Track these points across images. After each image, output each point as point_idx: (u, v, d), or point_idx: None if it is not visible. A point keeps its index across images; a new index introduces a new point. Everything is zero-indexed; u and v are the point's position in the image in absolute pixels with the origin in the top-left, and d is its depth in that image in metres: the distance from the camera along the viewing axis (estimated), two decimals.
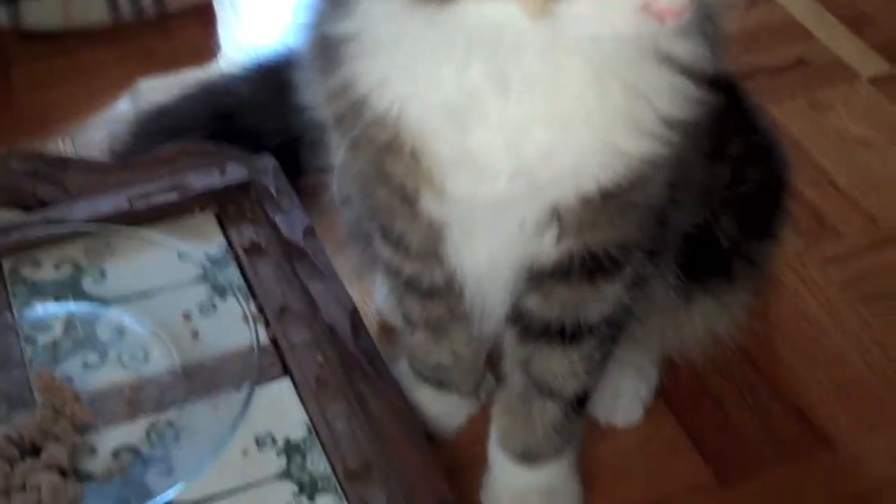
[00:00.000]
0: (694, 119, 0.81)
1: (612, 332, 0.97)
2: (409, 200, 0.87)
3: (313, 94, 0.90)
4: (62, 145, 1.44)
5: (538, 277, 0.91)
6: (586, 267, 0.89)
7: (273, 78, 1.39)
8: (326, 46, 0.84)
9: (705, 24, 0.80)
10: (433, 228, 0.90)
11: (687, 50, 0.79)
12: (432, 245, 0.93)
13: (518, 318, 0.96)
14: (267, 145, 1.31)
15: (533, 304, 0.94)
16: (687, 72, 0.79)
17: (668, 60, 0.78)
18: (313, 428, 1.02)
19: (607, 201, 0.83)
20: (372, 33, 0.80)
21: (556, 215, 0.85)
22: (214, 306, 1.13)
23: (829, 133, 1.50)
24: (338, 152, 0.94)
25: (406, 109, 0.80)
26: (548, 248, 0.88)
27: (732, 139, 1.01)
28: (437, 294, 1.00)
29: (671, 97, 0.80)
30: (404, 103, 0.80)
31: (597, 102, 0.77)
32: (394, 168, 0.85)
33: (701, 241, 1.01)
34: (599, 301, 0.93)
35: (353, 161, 0.91)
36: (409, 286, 1.00)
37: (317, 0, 0.87)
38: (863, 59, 1.62)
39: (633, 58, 0.77)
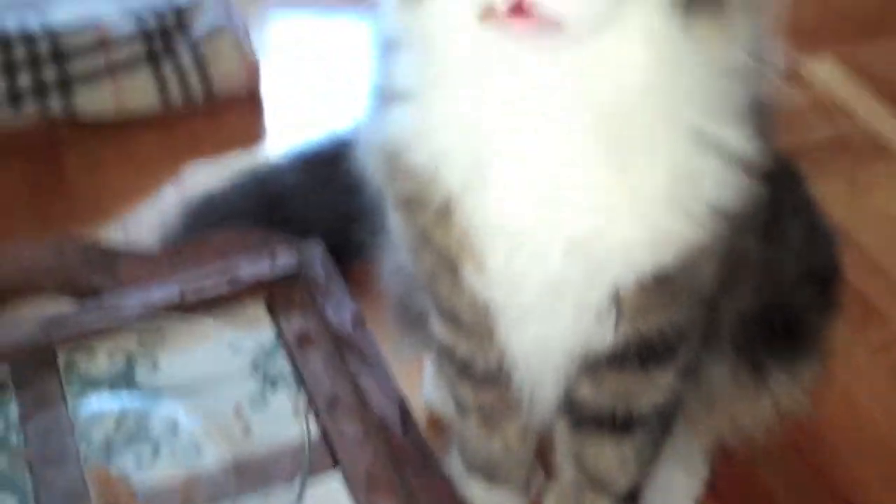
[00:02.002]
0: (744, 208, 0.82)
1: (664, 422, 0.97)
2: (452, 269, 0.89)
3: (364, 156, 0.92)
4: (114, 232, 1.47)
5: (592, 364, 0.92)
6: (639, 354, 0.90)
7: (319, 164, 1.42)
8: (377, 101, 0.87)
9: (755, 117, 0.81)
10: (481, 303, 0.91)
11: (736, 139, 0.79)
12: (483, 322, 0.93)
13: (569, 406, 0.97)
14: (314, 231, 1.33)
15: (585, 392, 0.94)
16: (736, 161, 0.80)
17: (715, 147, 0.79)
18: None
19: (659, 286, 0.84)
20: (403, 79, 0.83)
21: (616, 299, 0.85)
22: (265, 398, 1.14)
23: (871, 213, 1.50)
24: (389, 219, 0.97)
25: (437, 162, 0.82)
26: (604, 334, 0.88)
27: (789, 221, 1.02)
28: (489, 380, 1.00)
29: (720, 185, 0.80)
30: (435, 155, 0.82)
31: (634, 186, 0.79)
32: (434, 231, 0.87)
33: (766, 316, 1.02)
34: (652, 389, 0.93)
35: (402, 226, 0.93)
36: (462, 370, 1.01)
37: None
38: None
39: (672, 137, 0.78)
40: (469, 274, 0.87)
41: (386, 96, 0.85)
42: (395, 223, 0.94)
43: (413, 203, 0.87)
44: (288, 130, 1.66)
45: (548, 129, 0.77)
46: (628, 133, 0.76)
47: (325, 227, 1.34)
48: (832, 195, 1.50)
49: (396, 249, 1.02)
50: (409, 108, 0.83)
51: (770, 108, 0.82)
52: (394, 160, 0.85)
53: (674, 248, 0.81)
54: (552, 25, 0.68)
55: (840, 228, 1.44)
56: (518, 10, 0.68)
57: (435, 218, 0.85)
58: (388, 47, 0.85)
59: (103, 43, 1.56)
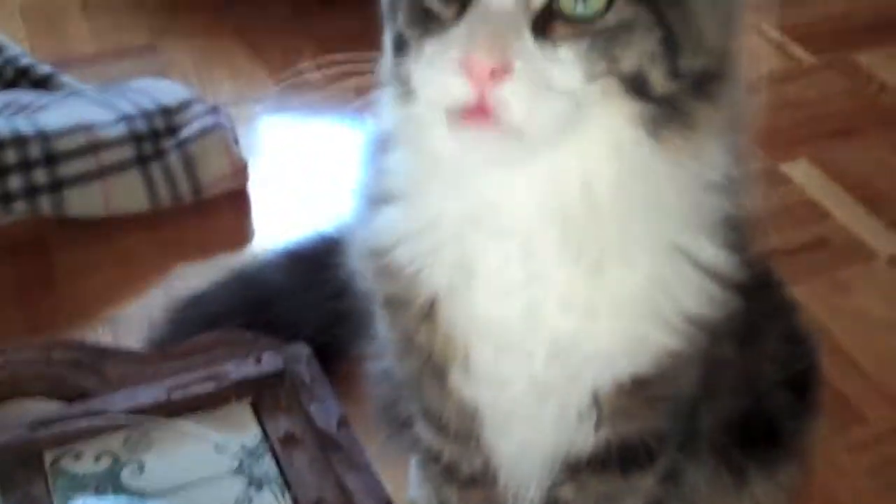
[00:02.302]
0: (720, 318, 0.84)
1: None
2: (437, 371, 0.90)
3: (351, 256, 0.94)
4: (102, 332, 1.48)
5: (574, 467, 0.93)
6: (620, 457, 0.91)
7: (306, 264, 1.43)
8: (365, 200, 0.89)
9: (730, 230, 0.83)
10: (467, 406, 0.92)
11: (711, 252, 0.82)
12: (469, 426, 0.94)
13: None
14: (301, 332, 1.35)
15: (568, 494, 0.95)
16: (712, 273, 0.83)
17: (690, 258, 0.82)
18: None
19: (638, 390, 0.86)
20: (391, 179, 0.85)
21: (596, 402, 0.87)
22: (251, 499, 1.15)
23: (850, 314, 1.52)
24: (376, 322, 0.98)
25: (422, 262, 0.84)
26: (586, 437, 0.90)
27: (767, 326, 1.03)
28: (475, 482, 1.01)
29: (695, 296, 0.82)
30: (420, 255, 0.84)
31: (612, 290, 0.81)
32: (418, 332, 0.88)
33: (746, 420, 1.03)
34: (633, 493, 0.95)
35: (387, 327, 0.94)
36: (447, 474, 1.02)
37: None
38: (880, 239, 1.66)
39: (646, 246, 0.80)
40: (455, 375, 0.88)
41: (374, 196, 0.88)
42: (381, 325, 0.96)
43: (398, 303, 0.89)
44: (275, 230, 1.67)
45: (525, 232, 0.79)
46: (602, 240, 0.79)
47: (312, 328, 1.35)
48: (812, 296, 1.54)
49: (382, 353, 1.04)
50: (395, 208, 0.85)
51: (746, 221, 0.84)
52: (379, 260, 0.87)
53: (651, 354, 0.83)
54: (513, 132, 0.71)
55: (820, 328, 1.47)
56: (479, 113, 0.70)
57: (419, 318, 0.87)
58: (379, 147, 0.87)
59: (94, 146, 1.59)
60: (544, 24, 0.71)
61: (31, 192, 1.55)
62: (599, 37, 0.71)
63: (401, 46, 0.77)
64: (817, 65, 2.07)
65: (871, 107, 1.96)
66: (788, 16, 2.21)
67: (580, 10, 0.70)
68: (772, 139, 1.83)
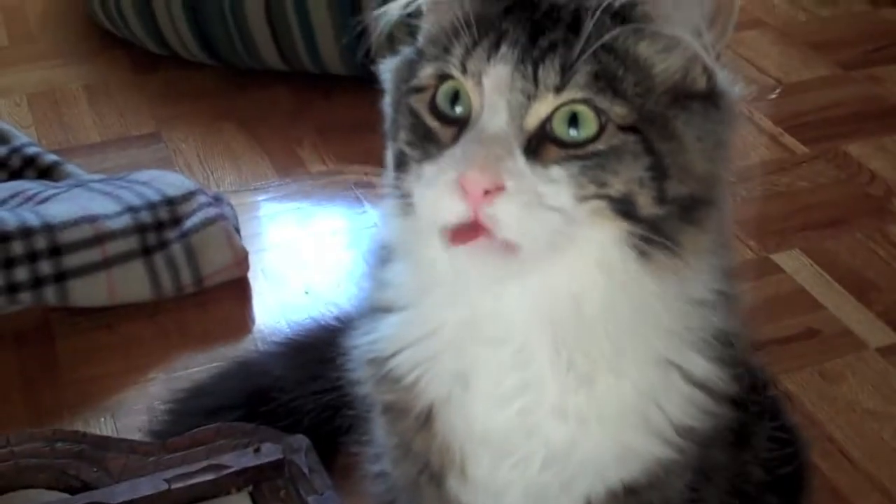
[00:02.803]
0: (710, 428, 0.87)
1: None
2: (434, 478, 0.92)
3: (351, 363, 0.97)
4: (105, 421, 1.50)
5: None
6: None
7: (305, 355, 1.46)
8: (365, 309, 0.92)
9: (720, 345, 0.86)
10: None
11: (700, 366, 0.85)
12: None
13: None
14: (300, 423, 1.37)
15: None
16: (702, 387, 0.85)
17: (680, 372, 0.84)
18: None
19: (630, 497, 0.88)
20: (391, 289, 0.88)
21: None
22: None
23: (840, 404, 1.54)
24: (373, 426, 1.00)
25: (420, 371, 0.87)
26: None
27: (756, 428, 1.05)
28: None
29: (686, 408, 0.85)
30: (418, 364, 0.87)
31: (603, 400, 0.83)
32: (415, 439, 0.90)
33: None
34: None
35: (384, 433, 0.96)
36: None
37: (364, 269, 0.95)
38: (870, 329, 1.68)
39: (636, 358, 0.83)
40: (452, 482, 0.90)
41: (373, 306, 0.91)
42: (379, 431, 0.98)
43: (396, 410, 0.91)
44: (276, 318, 1.70)
45: (520, 341, 0.82)
46: (593, 351, 0.82)
47: (311, 419, 1.38)
48: (803, 386, 1.56)
49: (380, 457, 1.06)
50: (395, 317, 0.88)
51: (736, 336, 0.87)
52: (379, 368, 0.90)
53: (642, 463, 0.85)
54: (507, 247, 0.74)
55: (811, 420, 1.50)
56: (474, 230, 0.74)
57: (417, 426, 0.90)
58: (379, 257, 0.91)
59: (99, 237, 1.62)
60: (537, 146, 0.75)
61: (37, 283, 1.58)
62: (590, 160, 0.75)
63: (402, 162, 0.81)
64: (809, 154, 2.11)
65: (863, 197, 1.99)
66: (780, 106, 2.26)
67: (573, 134, 0.74)
68: (764, 229, 1.87)
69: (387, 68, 0.88)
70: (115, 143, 2.15)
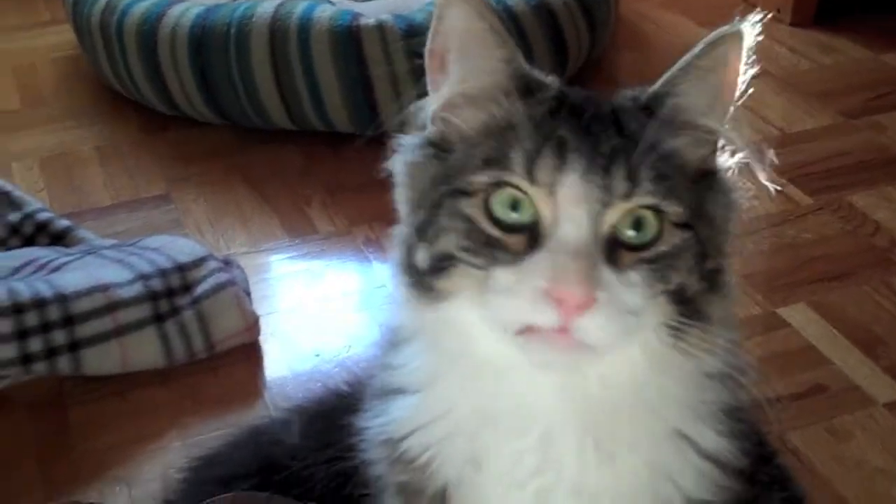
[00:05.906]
0: (721, 502, 0.88)
1: None
2: None
3: (365, 444, 0.98)
4: (119, 491, 1.51)
5: None
6: None
7: (318, 422, 1.47)
8: (379, 391, 0.93)
9: (731, 419, 0.88)
10: None
11: (712, 440, 0.86)
12: None
13: None
14: (313, 491, 1.38)
15: None
16: (713, 461, 0.87)
17: (693, 446, 0.86)
18: None
19: None
20: (406, 372, 0.90)
21: None
22: None
23: (849, 463, 1.54)
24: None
25: (434, 453, 0.88)
26: None
27: (765, 499, 1.05)
28: None
29: (697, 481, 0.86)
30: (432, 446, 0.88)
31: (619, 476, 0.85)
32: None
33: None
34: None
35: None
36: None
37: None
38: (878, 385, 1.67)
39: (653, 433, 0.85)
40: None
41: (386, 388, 0.92)
42: None
43: (409, 492, 0.93)
44: (286, 382, 1.71)
45: (545, 426, 0.84)
46: (616, 429, 0.83)
47: (323, 486, 1.38)
48: (811, 443, 1.56)
49: None
50: (409, 399, 0.90)
51: (745, 411, 0.89)
52: (392, 449, 0.91)
53: None
54: (586, 347, 0.77)
55: (820, 479, 1.50)
56: (561, 331, 0.76)
57: None
58: (394, 340, 0.92)
59: (112, 306, 1.64)
60: (612, 253, 0.78)
61: (51, 353, 1.60)
62: (657, 262, 0.79)
63: (444, 266, 0.81)
64: (813, 205, 2.12)
65: (868, 249, 2.00)
66: (783, 156, 2.26)
67: (637, 238, 0.78)
68: (770, 283, 1.88)
69: (400, 160, 0.88)
70: (126, 206, 2.18)
